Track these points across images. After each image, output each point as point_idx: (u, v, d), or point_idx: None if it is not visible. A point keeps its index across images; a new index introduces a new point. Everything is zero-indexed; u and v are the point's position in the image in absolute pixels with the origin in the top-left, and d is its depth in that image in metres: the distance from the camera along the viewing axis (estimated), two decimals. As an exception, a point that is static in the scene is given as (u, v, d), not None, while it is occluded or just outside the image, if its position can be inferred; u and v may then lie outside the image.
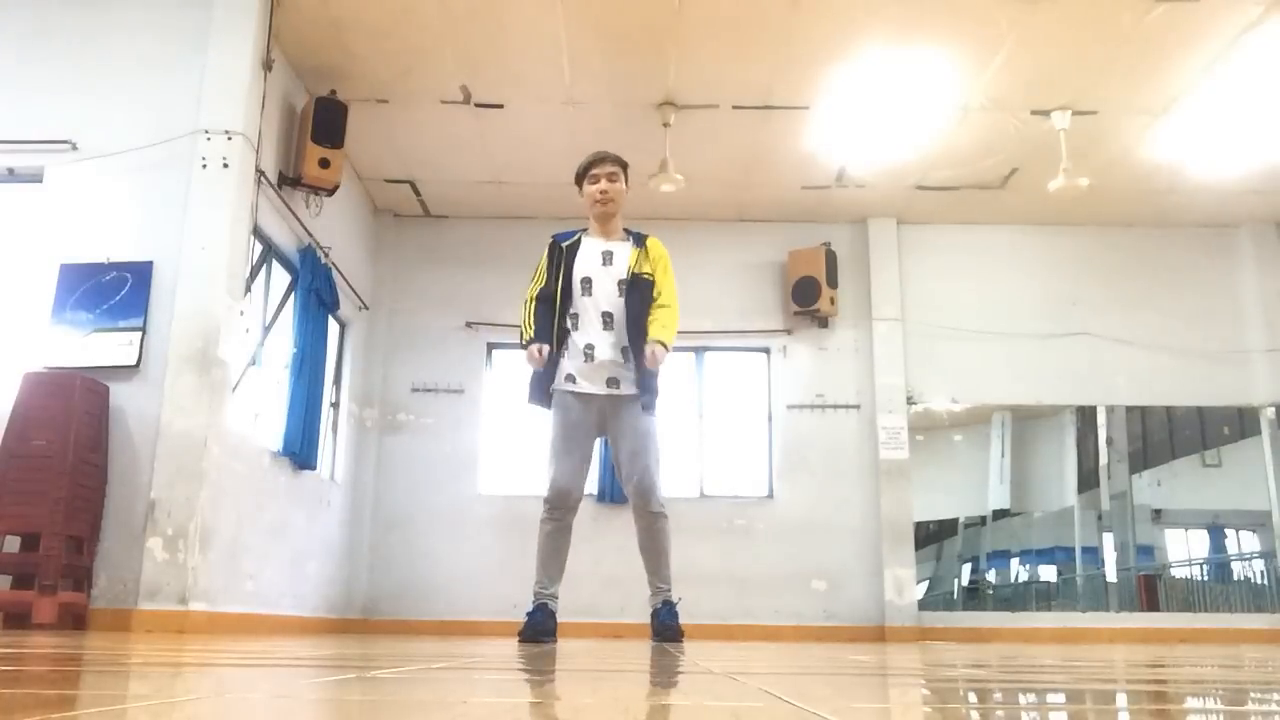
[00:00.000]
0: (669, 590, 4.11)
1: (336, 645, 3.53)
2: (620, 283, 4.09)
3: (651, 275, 4.12)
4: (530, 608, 4.02)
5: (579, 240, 4.18)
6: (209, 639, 3.85)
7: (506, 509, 8.10)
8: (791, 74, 6.53)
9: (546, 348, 3.99)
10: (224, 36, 5.57)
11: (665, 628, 4.03)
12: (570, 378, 4.04)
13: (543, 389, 4.08)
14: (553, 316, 4.07)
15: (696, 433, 8.37)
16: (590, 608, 7.74)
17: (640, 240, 4.19)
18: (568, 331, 4.08)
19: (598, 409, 4.05)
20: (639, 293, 4.08)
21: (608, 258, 4.13)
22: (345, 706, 1.22)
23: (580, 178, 4.21)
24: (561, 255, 4.15)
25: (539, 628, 3.94)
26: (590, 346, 4.03)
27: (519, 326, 4.15)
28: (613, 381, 4.03)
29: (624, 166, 4.22)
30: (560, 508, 4.02)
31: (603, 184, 4.12)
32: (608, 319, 4.05)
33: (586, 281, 4.09)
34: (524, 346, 4.04)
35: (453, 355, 8.44)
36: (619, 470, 4.14)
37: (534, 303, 4.11)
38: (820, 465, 8.23)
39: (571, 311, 4.08)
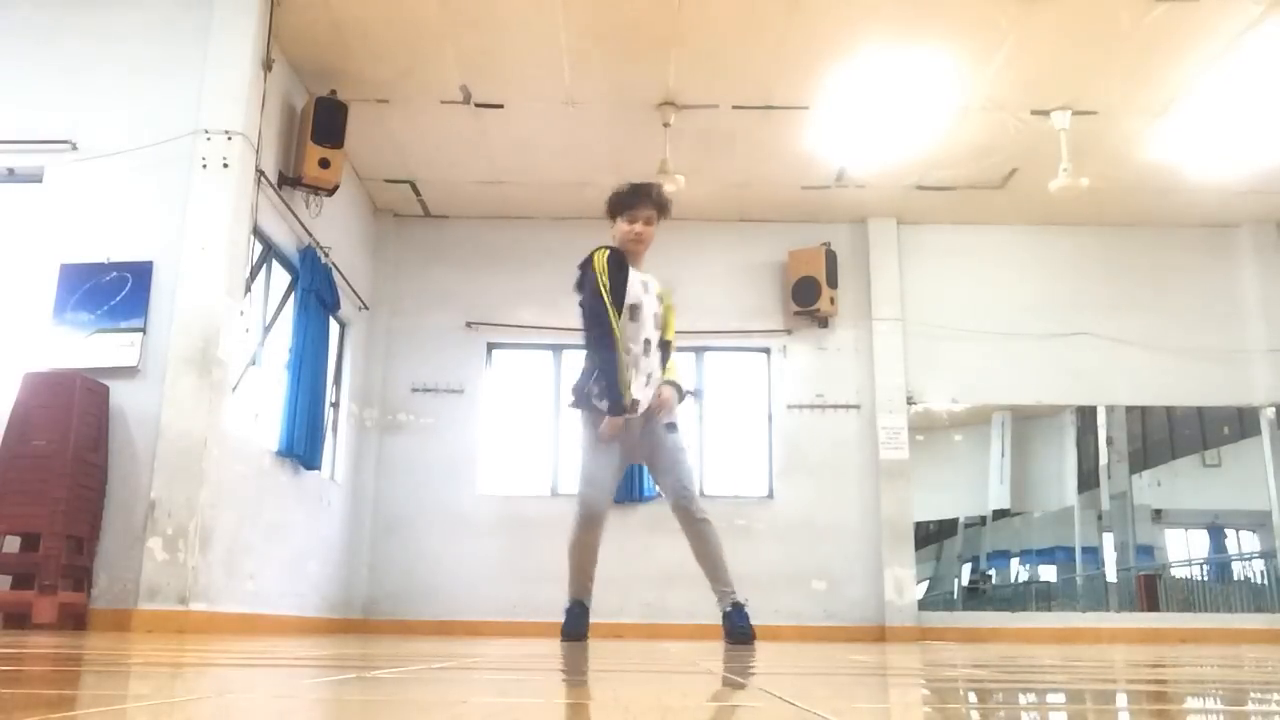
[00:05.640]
0: (734, 592, 4.22)
1: (336, 645, 3.53)
2: (656, 323, 4.18)
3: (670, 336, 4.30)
4: (569, 604, 4.29)
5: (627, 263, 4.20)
6: (209, 639, 3.85)
7: (506, 509, 8.11)
8: (791, 74, 6.52)
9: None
10: (224, 36, 5.57)
11: (740, 630, 4.14)
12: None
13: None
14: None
15: (696, 433, 8.35)
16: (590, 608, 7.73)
17: (651, 289, 4.24)
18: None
19: (629, 429, 4.12)
20: (666, 355, 4.26)
21: (646, 287, 4.21)
22: (345, 706, 1.22)
23: (617, 207, 4.15)
24: (620, 272, 4.09)
25: (583, 629, 4.26)
26: (634, 369, 4.09)
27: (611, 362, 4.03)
28: (634, 403, 4.09)
29: (665, 209, 4.20)
30: (599, 526, 4.14)
31: (639, 227, 4.12)
32: (646, 346, 4.13)
33: (635, 308, 4.11)
34: (615, 410, 3.98)
35: (452, 355, 8.44)
36: (660, 484, 4.28)
37: (619, 352, 4.03)
38: (820, 465, 8.22)
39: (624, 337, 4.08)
